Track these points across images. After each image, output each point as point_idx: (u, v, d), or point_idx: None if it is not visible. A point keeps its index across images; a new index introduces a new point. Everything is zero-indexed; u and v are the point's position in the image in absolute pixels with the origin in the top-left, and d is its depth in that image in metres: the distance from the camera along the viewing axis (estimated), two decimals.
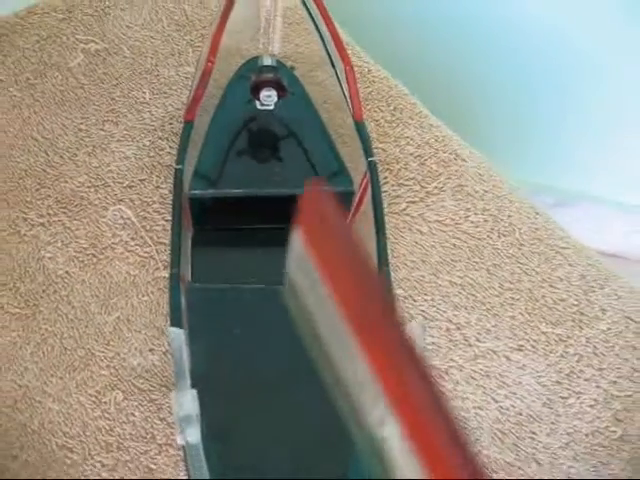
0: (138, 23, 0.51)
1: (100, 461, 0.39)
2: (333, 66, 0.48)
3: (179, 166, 0.43)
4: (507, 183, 0.52)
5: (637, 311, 0.48)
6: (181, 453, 0.39)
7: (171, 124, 0.49)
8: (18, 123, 0.47)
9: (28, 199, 0.45)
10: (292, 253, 0.18)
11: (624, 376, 0.46)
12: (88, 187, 0.46)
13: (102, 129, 0.48)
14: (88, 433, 0.39)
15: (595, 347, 0.47)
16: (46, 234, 0.45)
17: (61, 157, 0.47)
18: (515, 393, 0.45)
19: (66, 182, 0.46)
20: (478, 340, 0.46)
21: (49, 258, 0.44)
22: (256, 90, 0.44)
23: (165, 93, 0.50)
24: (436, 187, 0.51)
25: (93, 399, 0.40)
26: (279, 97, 0.44)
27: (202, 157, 0.45)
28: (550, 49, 0.77)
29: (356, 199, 0.46)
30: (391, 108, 0.54)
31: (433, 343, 0.45)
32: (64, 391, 0.40)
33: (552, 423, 0.44)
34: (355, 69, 0.46)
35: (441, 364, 0.45)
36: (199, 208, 0.44)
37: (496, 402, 0.44)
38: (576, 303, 0.48)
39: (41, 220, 0.45)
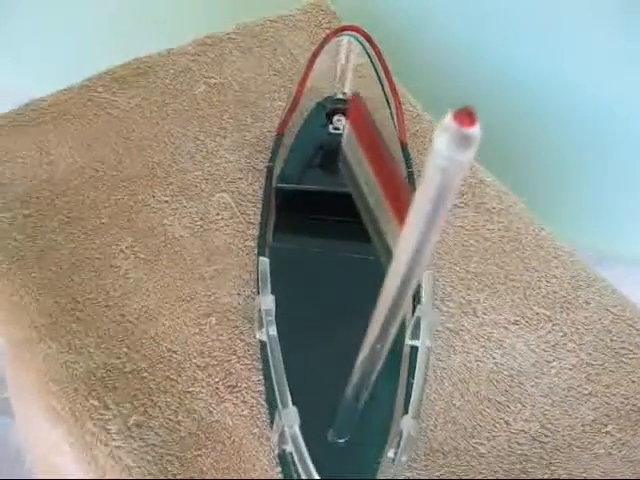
0: (246, 67, 0.69)
1: (195, 362, 0.54)
2: (388, 105, 0.64)
3: (270, 164, 0.60)
4: (519, 205, 0.67)
5: (615, 306, 0.61)
6: (256, 363, 0.53)
7: (264, 141, 0.66)
8: (154, 130, 0.65)
9: (157, 183, 0.62)
10: (346, 138, 0.33)
11: (599, 350, 0.58)
12: (201, 180, 0.63)
13: (214, 140, 0.66)
14: (189, 343, 0.54)
15: (577, 328, 0.60)
16: (168, 209, 0.61)
17: (183, 157, 0.64)
18: (509, 354, 0.58)
19: (185, 175, 0.63)
20: (484, 313, 0.60)
21: (169, 225, 0.61)
22: (330, 116, 0.61)
23: (262, 119, 0.67)
24: (462, 202, 0.66)
25: (194, 321, 0.56)
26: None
27: (287, 161, 0.61)
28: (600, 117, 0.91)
29: None
30: (429, 141, 0.69)
31: (448, 312, 0.59)
32: (174, 314, 0.56)
33: (536, 378, 0.57)
34: (407, 112, 0.62)
35: (454, 327, 0.58)
36: (282, 198, 0.60)
37: (493, 358, 0.57)
38: (565, 295, 0.61)
39: (165, 199, 0.62)
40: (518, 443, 0.54)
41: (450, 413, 0.54)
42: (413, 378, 0.47)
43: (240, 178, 0.64)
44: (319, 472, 0.42)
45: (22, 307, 0.53)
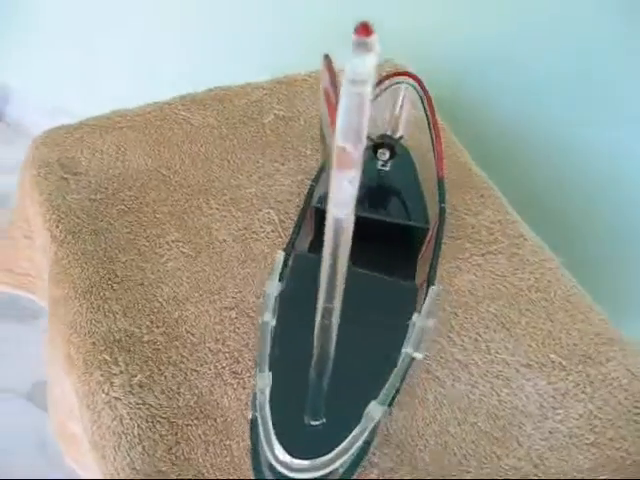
0: (314, 106, 0.76)
1: (208, 346, 0.58)
2: (433, 149, 0.68)
3: (313, 183, 0.64)
4: (554, 262, 0.67)
5: (637, 367, 0.60)
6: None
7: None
8: (221, 148, 0.72)
9: (213, 193, 0.69)
10: (321, 100, 0.37)
11: (609, 405, 0.57)
12: (253, 196, 0.69)
13: (273, 165, 0.72)
14: (207, 329, 0.58)
15: (592, 381, 0.59)
16: (218, 215, 0.67)
17: (241, 175, 0.71)
18: (515, 394, 0.57)
19: (239, 190, 0.69)
20: (497, 352, 0.60)
21: (215, 229, 0.66)
22: (375, 149, 0.65)
23: (319, 152, 0.73)
24: (497, 249, 0.67)
25: (216, 312, 0.60)
26: (390, 156, 0.65)
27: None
28: None
29: (429, 235, 0.64)
30: (479, 195, 0.72)
31: (462, 345, 0.60)
32: (200, 303, 0.60)
33: (539, 421, 0.56)
34: (457, 163, 0.67)
35: (463, 359, 0.59)
36: (319, 218, 0.65)
37: (498, 395, 0.57)
38: (585, 349, 0.61)
39: (217, 207, 0.68)
40: (506, 477, 0.53)
41: (443, 437, 0.55)
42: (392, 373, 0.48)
43: (289, 200, 0.69)
44: (291, 452, 0.44)
45: (68, 270, 0.60)
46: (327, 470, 0.41)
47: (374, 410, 0.44)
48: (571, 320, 0.63)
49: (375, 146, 0.65)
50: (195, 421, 0.53)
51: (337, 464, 0.41)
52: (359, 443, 0.43)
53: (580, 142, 0.88)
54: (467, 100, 0.92)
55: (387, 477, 0.51)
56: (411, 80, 0.66)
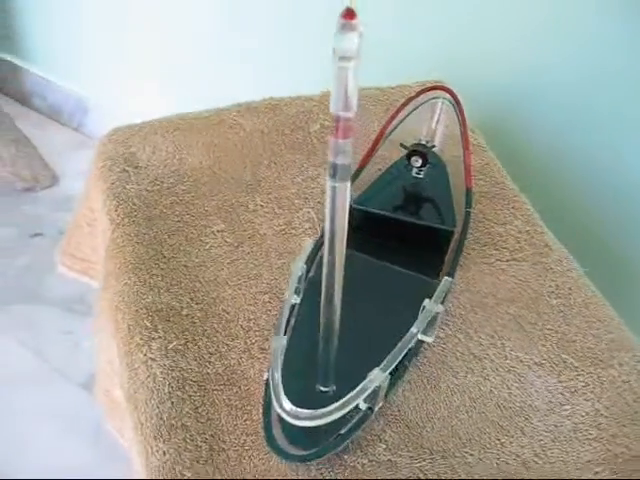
0: (360, 120, 0.82)
1: (241, 324, 0.63)
2: (464, 160, 0.72)
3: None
4: (578, 271, 0.70)
5: None
6: None
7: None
8: (269, 152, 0.78)
9: (259, 192, 0.75)
10: None
11: (617, 406, 0.59)
12: (295, 196, 0.75)
13: (316, 170, 0.77)
14: (241, 309, 0.64)
15: (602, 382, 0.61)
16: (262, 211, 0.73)
17: (286, 177, 0.76)
18: (525, 389, 0.60)
19: (283, 190, 0.75)
20: (511, 350, 0.63)
21: (258, 224, 0.72)
22: (409, 156, 0.70)
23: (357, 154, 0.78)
24: (522, 257, 0.70)
25: (252, 295, 0.65)
26: (423, 164, 0.70)
27: (369, 189, 0.71)
28: None
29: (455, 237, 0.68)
30: (510, 206, 0.75)
31: (478, 341, 0.63)
32: (237, 286, 0.66)
33: (545, 415, 0.59)
34: (493, 178, 0.71)
35: (478, 354, 0.62)
36: (354, 216, 0.70)
37: (508, 389, 0.60)
38: (599, 353, 0.63)
39: (262, 204, 0.74)
40: (506, 462, 0.55)
41: (450, 422, 0.58)
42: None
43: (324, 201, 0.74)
44: (301, 418, 0.48)
45: (121, 248, 0.66)
46: (326, 420, 0.45)
47: (375, 375, 0.48)
48: (588, 326, 0.65)
49: (410, 154, 0.70)
50: (221, 387, 0.58)
51: (336, 415, 0.45)
52: (359, 402, 0.47)
53: (618, 166, 0.91)
54: (509, 123, 0.96)
55: (394, 452, 0.55)
56: (447, 95, 0.71)
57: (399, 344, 0.51)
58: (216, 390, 0.58)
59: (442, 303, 0.58)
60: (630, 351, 0.63)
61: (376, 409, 0.50)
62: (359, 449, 0.55)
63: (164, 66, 1.42)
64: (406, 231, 0.69)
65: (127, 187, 0.73)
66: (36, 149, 1.45)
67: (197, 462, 0.53)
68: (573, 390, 0.60)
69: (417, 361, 0.62)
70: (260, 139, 0.79)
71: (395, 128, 0.73)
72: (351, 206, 0.70)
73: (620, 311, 0.68)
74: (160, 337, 0.60)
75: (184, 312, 0.63)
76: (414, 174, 0.72)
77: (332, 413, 0.45)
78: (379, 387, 0.48)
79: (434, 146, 0.71)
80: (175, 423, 0.54)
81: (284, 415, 0.46)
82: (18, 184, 1.42)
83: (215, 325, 0.63)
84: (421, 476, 0.54)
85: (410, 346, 0.52)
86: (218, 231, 0.71)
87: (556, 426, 0.58)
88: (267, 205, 0.74)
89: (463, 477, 0.54)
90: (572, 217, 0.95)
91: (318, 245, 0.65)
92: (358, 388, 0.47)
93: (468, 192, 0.69)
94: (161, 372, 0.57)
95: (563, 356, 0.63)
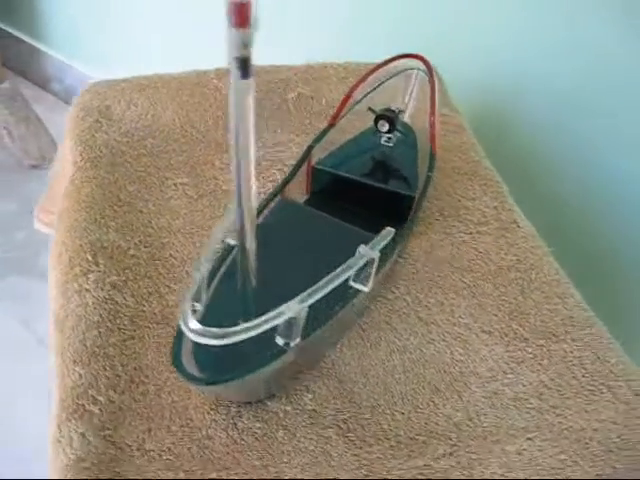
0: (337, 90, 0.81)
1: (186, 270, 0.62)
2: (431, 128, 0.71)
3: (313, 144, 0.69)
4: (544, 249, 0.67)
5: (605, 352, 0.59)
6: None
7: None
8: None
9: (226, 152, 0.74)
10: None
11: (563, 379, 0.56)
12: (263, 159, 0.74)
13: (288, 136, 0.77)
14: (188, 258, 0.63)
15: (551, 356, 0.58)
16: (226, 170, 0.72)
17: (262, 138, 0.76)
18: (470, 355, 0.58)
19: (260, 151, 0.74)
20: (460, 317, 0.61)
21: (222, 181, 0.71)
22: (377, 121, 0.69)
23: (324, 122, 0.77)
24: (485, 230, 0.68)
25: (201, 245, 0.64)
26: (390, 129, 0.68)
27: (334, 152, 0.70)
28: None
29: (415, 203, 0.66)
30: (482, 183, 0.74)
31: (427, 306, 0.61)
32: (190, 234, 0.65)
33: (486, 382, 0.56)
34: (470, 158, 0.70)
35: (425, 318, 0.60)
36: (317, 178, 0.69)
37: (452, 354, 0.58)
38: (554, 328, 0.60)
39: (228, 163, 0.73)
40: (436, 423, 0.53)
41: (385, 380, 0.56)
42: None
43: (291, 164, 0.73)
44: (206, 336, 0.45)
45: (78, 188, 0.66)
46: (231, 339, 0.43)
47: (290, 305, 0.46)
48: (545, 301, 0.63)
49: (377, 118, 0.69)
50: (154, 325, 0.57)
51: (241, 336, 0.43)
52: (267, 327, 0.45)
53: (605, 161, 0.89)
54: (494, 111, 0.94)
55: (319, 403, 0.53)
56: (423, 65, 0.70)
57: (321, 281, 0.49)
58: (148, 327, 0.57)
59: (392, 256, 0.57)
60: (587, 329, 0.61)
61: (292, 344, 0.47)
62: (285, 397, 0.54)
63: (183, 53, 1.44)
64: (367, 194, 0.67)
65: (96, 135, 0.73)
66: (47, 129, 1.47)
67: (113, 390, 0.51)
68: (520, 360, 0.58)
69: (361, 321, 0.60)
70: None
71: (367, 95, 0.72)
72: (314, 167, 0.69)
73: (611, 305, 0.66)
74: (100, 271, 0.59)
75: (130, 252, 0.62)
76: (383, 142, 0.71)
77: (238, 333, 0.44)
78: (294, 319, 0.46)
79: (402, 111, 0.70)
80: (98, 351, 0.53)
81: (189, 334, 0.44)
82: (26, 161, 1.44)
83: (160, 268, 0.62)
84: (342, 426, 0.52)
85: (335, 285, 0.49)
86: (181, 184, 0.70)
87: (496, 393, 0.55)
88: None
89: (387, 431, 0.52)
90: (557, 206, 0.93)
91: (271, 195, 0.64)
92: (271, 314, 0.45)
93: (432, 157, 0.67)
94: (93, 302, 0.56)
95: (514, 326, 0.60)
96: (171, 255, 0.63)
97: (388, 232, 0.55)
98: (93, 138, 0.72)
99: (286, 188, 0.67)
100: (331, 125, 0.71)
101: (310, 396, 0.54)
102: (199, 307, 0.50)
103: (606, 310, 0.65)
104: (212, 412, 0.52)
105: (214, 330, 0.44)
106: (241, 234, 0.45)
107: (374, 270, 0.53)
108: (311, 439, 0.51)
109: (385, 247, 0.55)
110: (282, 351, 0.48)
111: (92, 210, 0.64)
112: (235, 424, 0.51)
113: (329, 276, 0.49)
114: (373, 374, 0.56)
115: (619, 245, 0.94)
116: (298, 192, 0.69)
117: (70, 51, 1.60)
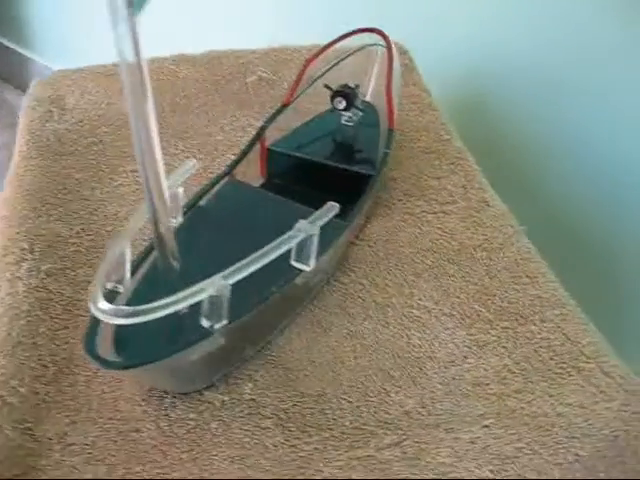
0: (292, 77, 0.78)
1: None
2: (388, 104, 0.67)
3: (265, 124, 0.65)
4: (515, 228, 0.63)
5: (576, 333, 0.54)
6: None
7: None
8: (202, 100, 0.75)
9: (182, 138, 0.70)
10: None
11: (529, 362, 0.52)
12: (220, 142, 0.70)
13: (247, 120, 0.73)
14: (133, 245, 0.60)
15: (517, 339, 0.54)
16: (182, 157, 0.69)
17: (215, 125, 0.72)
18: (427, 340, 0.54)
19: (209, 137, 0.71)
20: (419, 299, 0.57)
21: (175, 167, 0.68)
22: (333, 98, 0.65)
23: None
24: (452, 209, 0.64)
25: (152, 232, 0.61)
26: (347, 106, 0.65)
27: (291, 133, 0.66)
28: None
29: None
30: (449, 162, 0.70)
31: (384, 289, 0.57)
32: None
33: (444, 367, 0.52)
34: (439, 137, 0.67)
35: (381, 301, 0.56)
36: (272, 160, 0.65)
37: (408, 338, 0.54)
38: (520, 309, 0.56)
39: (183, 149, 0.70)
40: (387, 412, 0.49)
41: (334, 367, 0.52)
42: None
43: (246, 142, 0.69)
44: (118, 316, 0.42)
45: (21, 177, 0.63)
46: (140, 319, 0.40)
47: (212, 280, 0.43)
48: (513, 281, 0.58)
49: (333, 95, 0.65)
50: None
51: (153, 315, 0.40)
52: (185, 304, 0.41)
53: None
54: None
55: (260, 392, 0.49)
56: (378, 35, 0.66)
57: (249, 257, 0.45)
58: (84, 316, 0.53)
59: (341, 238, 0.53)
60: (557, 309, 0.56)
61: (218, 326, 0.44)
62: (224, 386, 0.50)
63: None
64: (325, 176, 0.64)
65: (46, 125, 0.70)
66: None
67: (38, 381, 0.48)
68: (482, 344, 0.54)
69: (312, 306, 0.56)
70: (194, 87, 0.76)
71: (326, 73, 0.68)
72: (268, 148, 0.66)
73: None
74: (35, 259, 0.56)
75: (71, 240, 0.59)
76: (343, 121, 0.67)
77: (150, 311, 0.40)
78: (218, 298, 0.43)
79: (358, 86, 0.66)
80: (25, 341, 0.50)
81: (98, 314, 0.41)
82: None
83: (102, 256, 0.58)
84: (282, 416, 0.48)
85: (267, 262, 0.45)
86: (131, 171, 0.67)
87: (454, 379, 0.51)
88: (188, 150, 0.70)
89: (331, 421, 0.48)
90: (544, 194, 0.88)
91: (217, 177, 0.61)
92: (188, 290, 0.42)
93: (390, 133, 0.63)
94: (24, 291, 0.53)
95: (478, 308, 0.56)
96: None
97: (331, 207, 0.51)
98: (43, 128, 0.69)
99: (239, 171, 0.64)
100: (285, 105, 0.67)
101: (251, 385, 0.50)
102: (121, 289, 0.47)
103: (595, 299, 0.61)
104: (144, 403, 0.48)
105: (124, 309, 0.40)
106: (153, 218, 0.42)
107: (315, 247, 0.49)
108: (247, 430, 0.47)
109: (334, 225, 0.51)
110: (207, 333, 0.44)
111: (33, 198, 0.61)
112: (168, 415, 0.48)
113: (258, 252, 0.45)
114: (321, 361, 0.52)
115: (610, 228, 0.89)
116: (254, 175, 0.66)
117: (55, 57, 1.58)
